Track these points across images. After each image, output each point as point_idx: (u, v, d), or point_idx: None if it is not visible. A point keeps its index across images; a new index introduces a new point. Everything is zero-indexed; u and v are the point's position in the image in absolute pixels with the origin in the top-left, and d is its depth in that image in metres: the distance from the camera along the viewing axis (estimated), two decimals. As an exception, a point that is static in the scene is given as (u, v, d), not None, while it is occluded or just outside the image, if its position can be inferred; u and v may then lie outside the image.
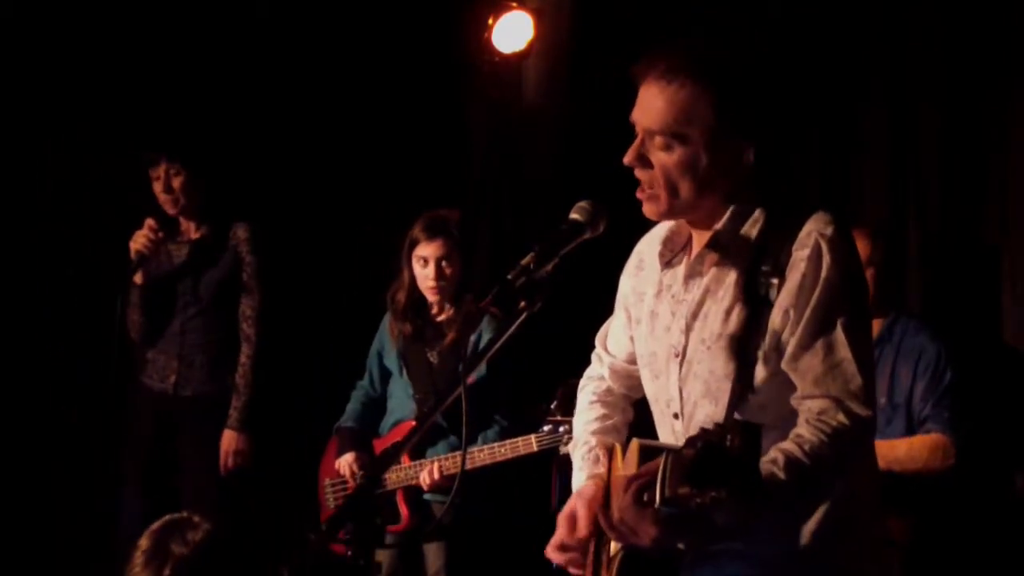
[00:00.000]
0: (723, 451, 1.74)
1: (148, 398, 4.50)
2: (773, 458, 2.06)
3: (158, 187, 4.42)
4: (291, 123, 5.18)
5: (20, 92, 4.78)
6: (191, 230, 4.55)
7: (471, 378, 4.03)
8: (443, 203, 4.31)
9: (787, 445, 2.08)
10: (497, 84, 5.19)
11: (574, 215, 2.26)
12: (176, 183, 4.40)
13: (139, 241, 4.35)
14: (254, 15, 5.08)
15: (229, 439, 4.41)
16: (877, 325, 3.87)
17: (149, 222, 4.35)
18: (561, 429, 3.76)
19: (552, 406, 3.80)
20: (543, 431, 3.80)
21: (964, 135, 4.33)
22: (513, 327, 2.19)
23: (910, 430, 3.77)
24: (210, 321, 4.47)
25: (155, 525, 2.26)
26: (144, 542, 2.24)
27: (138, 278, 4.42)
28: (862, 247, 3.76)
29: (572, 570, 2.38)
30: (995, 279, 4.28)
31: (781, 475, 2.03)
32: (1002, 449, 4.11)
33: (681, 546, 2.10)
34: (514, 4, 4.88)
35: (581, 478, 2.44)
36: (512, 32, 4.93)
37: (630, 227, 2.45)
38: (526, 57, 5.04)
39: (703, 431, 1.80)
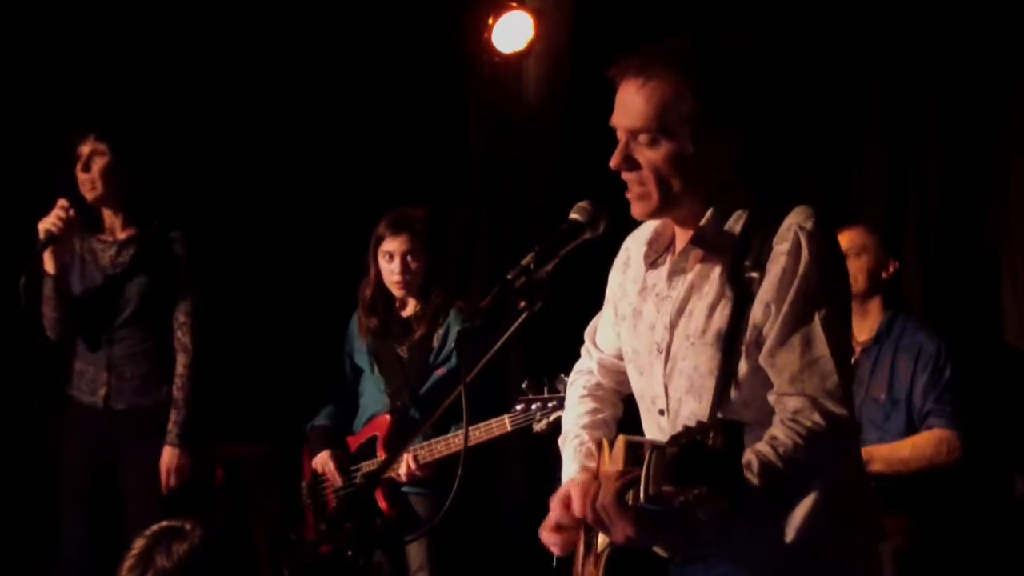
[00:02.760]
0: (705, 449, 1.75)
1: (79, 413, 4.20)
2: (747, 461, 2.04)
3: (78, 167, 4.06)
4: (291, 123, 5.19)
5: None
6: (116, 228, 4.19)
7: (441, 370, 4.12)
8: (443, 203, 4.33)
9: (762, 447, 2.07)
10: (497, 84, 5.19)
11: (574, 215, 2.26)
12: (97, 164, 4.05)
13: (47, 220, 3.97)
14: (254, 15, 5.08)
15: (169, 456, 4.11)
16: (875, 321, 3.88)
17: (61, 202, 3.97)
18: (533, 407, 3.79)
19: (524, 386, 3.81)
20: (515, 411, 3.82)
21: (964, 135, 4.33)
22: (513, 327, 2.19)
23: (910, 425, 3.78)
24: (140, 330, 4.15)
25: (150, 529, 2.26)
26: (136, 545, 2.24)
27: (49, 266, 4.04)
28: (856, 236, 3.79)
29: (558, 552, 2.37)
30: (995, 279, 4.28)
31: (755, 480, 2.01)
32: (1002, 448, 4.11)
33: (658, 550, 2.09)
34: (514, 4, 4.89)
35: (573, 469, 2.45)
36: (512, 32, 4.93)
37: (630, 227, 2.46)
38: (526, 57, 5.04)
39: (686, 429, 1.79)
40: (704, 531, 2.02)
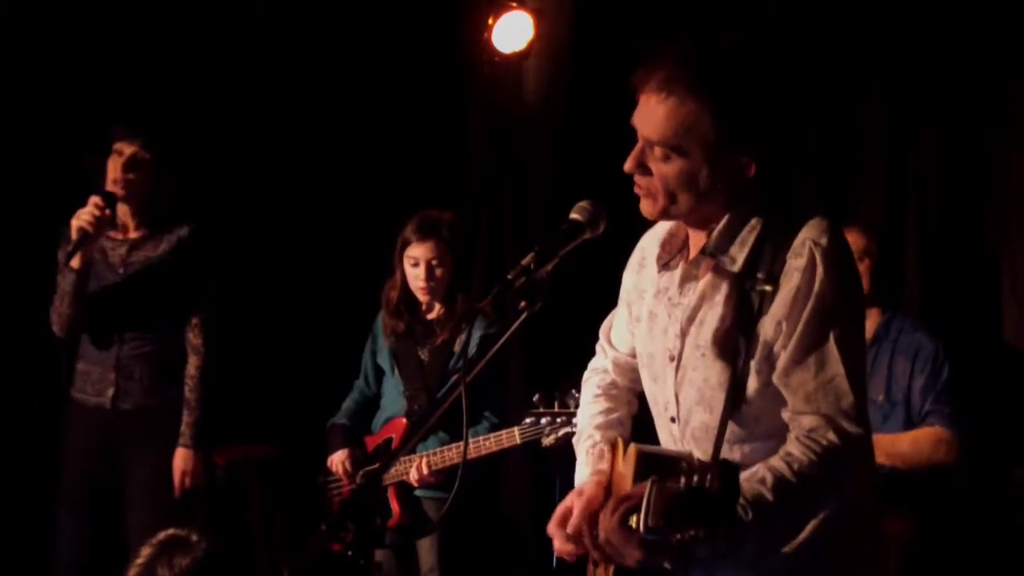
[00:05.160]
0: (701, 493, 1.78)
1: (83, 413, 4.15)
2: (761, 477, 2.04)
3: (117, 162, 4.02)
4: (291, 124, 5.19)
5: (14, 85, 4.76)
6: (129, 227, 4.16)
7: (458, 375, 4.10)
8: (443, 203, 4.32)
9: (776, 463, 2.06)
10: (497, 84, 5.19)
11: (574, 215, 2.25)
12: (137, 170, 4.03)
13: (83, 218, 3.90)
14: (254, 15, 5.08)
15: (183, 458, 4.09)
16: (873, 322, 3.88)
17: (94, 199, 3.92)
18: (543, 421, 3.80)
19: (535, 399, 3.83)
20: (525, 423, 3.83)
21: (964, 135, 4.33)
22: (513, 327, 2.19)
23: (908, 426, 3.77)
24: (150, 331, 4.11)
25: (156, 538, 2.25)
26: (142, 554, 2.23)
27: (76, 262, 3.97)
28: (858, 240, 3.79)
29: (571, 558, 2.37)
30: (995, 279, 4.28)
31: (768, 496, 2.01)
32: (1002, 447, 4.11)
33: (667, 565, 2.10)
34: (514, 4, 4.89)
35: (585, 474, 2.44)
36: (512, 32, 4.93)
37: (630, 227, 2.46)
38: (526, 57, 5.04)
39: (686, 467, 1.82)
40: (702, 559, 2.03)
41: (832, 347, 2.11)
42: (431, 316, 4.22)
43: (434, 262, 4.10)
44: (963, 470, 3.77)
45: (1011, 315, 4.23)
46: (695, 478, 1.78)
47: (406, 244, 4.14)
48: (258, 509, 4.90)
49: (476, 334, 3.97)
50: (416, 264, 4.11)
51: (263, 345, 5.11)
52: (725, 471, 1.77)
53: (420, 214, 4.15)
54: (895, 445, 3.71)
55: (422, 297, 4.18)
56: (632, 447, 2.23)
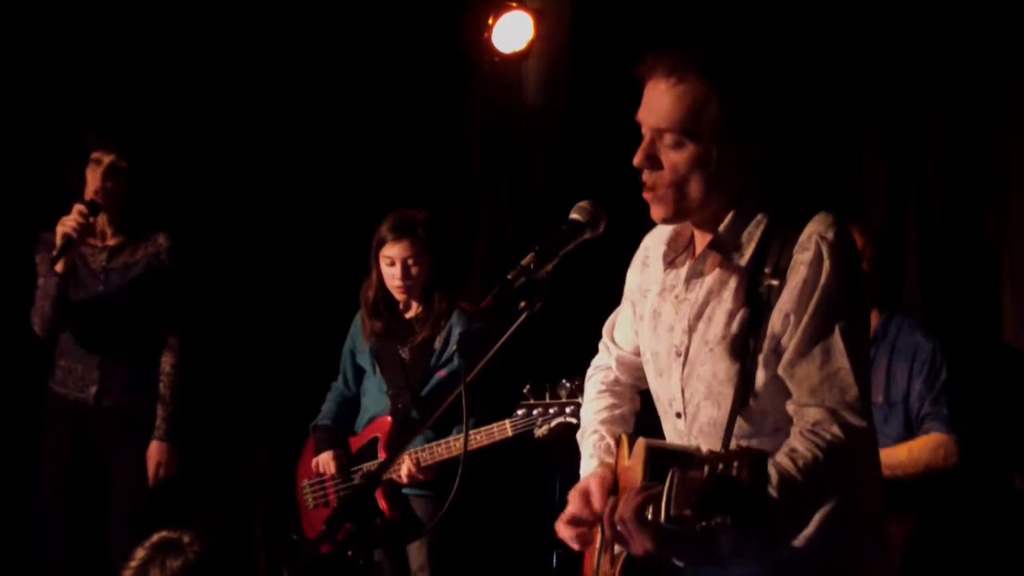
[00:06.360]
0: (731, 482, 1.74)
1: (64, 410, 4.28)
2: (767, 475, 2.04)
3: (96, 171, 4.15)
4: (291, 124, 5.19)
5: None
6: (107, 234, 4.31)
7: (443, 372, 4.14)
8: (443, 203, 4.33)
9: (781, 460, 2.06)
10: (497, 84, 5.19)
11: (574, 215, 2.26)
12: (115, 179, 4.17)
13: (68, 224, 4.03)
14: (254, 15, 5.08)
15: (157, 451, 4.24)
16: (872, 325, 3.87)
17: (78, 207, 4.05)
18: (535, 412, 3.81)
19: (525, 391, 3.83)
20: (517, 416, 3.84)
21: (964, 135, 4.33)
22: (514, 327, 2.19)
23: (907, 427, 3.77)
24: (132, 333, 4.27)
25: (149, 540, 2.25)
26: (136, 556, 2.23)
27: (60, 266, 4.11)
28: (857, 242, 3.78)
29: (575, 546, 2.37)
30: (995, 279, 4.28)
31: (774, 493, 2.01)
32: (1001, 449, 4.11)
33: (678, 562, 2.09)
34: (514, 4, 4.89)
35: (592, 465, 2.44)
36: (512, 32, 4.94)
37: (630, 227, 2.46)
38: (526, 57, 5.05)
39: (711, 455, 1.79)
40: (722, 552, 2.01)
41: (837, 340, 2.12)
42: (409, 315, 4.25)
43: (409, 261, 4.12)
44: (962, 473, 3.76)
45: (1011, 315, 4.23)
46: (720, 466, 1.75)
47: (381, 243, 4.16)
48: (258, 509, 4.90)
49: (455, 332, 4.04)
50: (392, 263, 4.13)
51: (259, 346, 5.10)
52: (754, 460, 1.74)
53: (394, 213, 4.18)
54: (892, 457, 3.70)
55: (399, 296, 4.20)
56: (640, 441, 2.22)
